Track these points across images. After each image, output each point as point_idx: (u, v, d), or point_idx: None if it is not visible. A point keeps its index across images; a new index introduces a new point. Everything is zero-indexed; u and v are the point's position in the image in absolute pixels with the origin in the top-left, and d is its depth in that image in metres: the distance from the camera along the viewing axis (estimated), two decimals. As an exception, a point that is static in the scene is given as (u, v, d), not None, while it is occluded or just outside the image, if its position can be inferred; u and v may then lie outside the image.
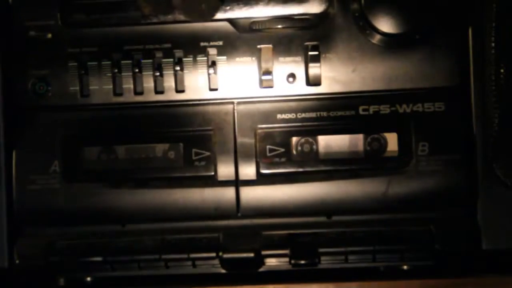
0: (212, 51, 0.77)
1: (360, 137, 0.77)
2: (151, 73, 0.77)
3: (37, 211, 0.77)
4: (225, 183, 0.76)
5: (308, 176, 0.76)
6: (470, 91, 0.75)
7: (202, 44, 0.77)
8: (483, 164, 0.74)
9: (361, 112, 0.76)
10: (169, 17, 0.77)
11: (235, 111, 0.77)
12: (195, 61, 0.77)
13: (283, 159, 0.76)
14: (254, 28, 0.76)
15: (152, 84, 0.77)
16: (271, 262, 0.76)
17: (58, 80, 0.77)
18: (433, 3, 0.75)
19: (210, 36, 0.77)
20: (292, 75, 0.77)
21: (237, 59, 0.77)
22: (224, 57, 0.77)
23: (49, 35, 0.77)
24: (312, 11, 0.75)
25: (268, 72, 0.76)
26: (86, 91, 0.77)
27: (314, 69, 0.76)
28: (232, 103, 0.77)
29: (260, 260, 0.76)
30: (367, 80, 0.76)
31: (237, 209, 0.76)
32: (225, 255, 0.75)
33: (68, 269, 0.77)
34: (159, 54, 0.76)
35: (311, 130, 0.76)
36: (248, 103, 0.77)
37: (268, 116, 0.77)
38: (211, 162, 0.76)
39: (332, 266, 0.76)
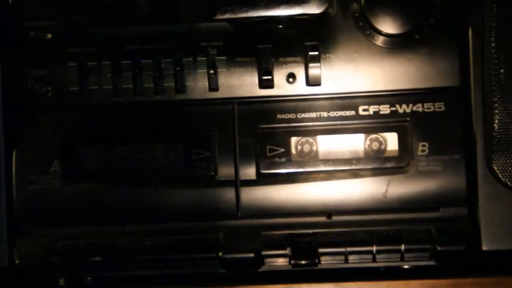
0: (212, 51, 0.77)
1: (360, 137, 0.76)
2: (151, 73, 0.77)
3: (37, 211, 0.77)
4: (225, 183, 0.76)
5: (308, 176, 0.76)
6: (470, 91, 0.75)
7: (202, 44, 0.77)
8: (483, 164, 0.74)
9: (361, 112, 0.76)
10: (169, 17, 0.77)
11: (235, 111, 0.77)
12: (195, 61, 0.77)
13: (283, 159, 0.76)
14: (254, 28, 0.76)
15: (152, 84, 0.77)
16: (271, 262, 0.76)
17: (58, 80, 0.77)
18: (433, 3, 0.75)
19: (210, 36, 0.77)
20: (292, 75, 0.77)
21: (237, 59, 0.77)
22: (224, 57, 0.77)
23: (49, 35, 0.77)
24: (312, 11, 0.75)
25: (268, 72, 0.76)
26: (86, 91, 0.77)
27: (314, 69, 0.76)
28: (232, 103, 0.77)
29: (260, 260, 0.76)
30: (367, 80, 0.76)
31: (237, 209, 0.76)
32: (225, 255, 0.75)
33: (68, 269, 0.77)
34: (159, 54, 0.76)
35: (311, 130, 0.76)
36: (248, 103, 0.77)
37: (268, 116, 0.77)
38: (211, 162, 0.76)
39: (332, 266, 0.76)
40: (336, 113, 0.77)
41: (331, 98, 0.77)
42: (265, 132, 0.77)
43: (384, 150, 0.76)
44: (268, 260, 0.76)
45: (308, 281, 0.75)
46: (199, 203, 0.76)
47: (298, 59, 0.76)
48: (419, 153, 0.75)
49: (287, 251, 0.75)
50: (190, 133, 0.77)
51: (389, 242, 0.74)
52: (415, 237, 0.74)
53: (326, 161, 0.76)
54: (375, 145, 0.76)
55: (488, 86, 0.74)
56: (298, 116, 0.77)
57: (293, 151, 0.76)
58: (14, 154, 0.77)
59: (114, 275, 0.77)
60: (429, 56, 0.76)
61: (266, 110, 0.77)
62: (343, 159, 0.76)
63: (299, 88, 0.77)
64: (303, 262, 0.76)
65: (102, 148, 0.77)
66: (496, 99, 0.73)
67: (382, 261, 0.75)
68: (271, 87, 0.77)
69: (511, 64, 0.73)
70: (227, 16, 0.76)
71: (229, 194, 0.76)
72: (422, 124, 0.76)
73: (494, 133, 0.73)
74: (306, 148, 0.76)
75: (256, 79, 0.77)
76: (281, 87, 0.77)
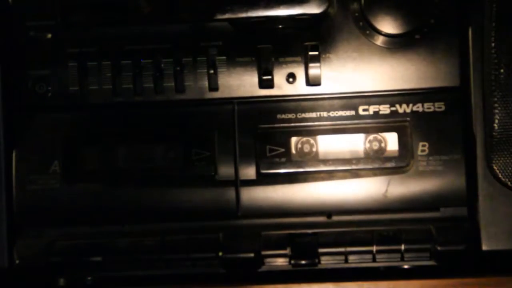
0: (212, 51, 0.77)
1: (360, 137, 0.76)
2: (151, 73, 0.77)
3: (37, 211, 0.77)
4: (225, 183, 0.76)
5: (308, 176, 0.76)
6: (470, 91, 0.75)
7: (202, 44, 0.77)
8: (483, 164, 0.74)
9: (361, 112, 0.76)
10: (169, 17, 0.76)
11: (235, 111, 0.77)
12: (195, 61, 0.77)
13: (283, 159, 0.76)
14: (254, 28, 0.76)
15: (152, 84, 0.77)
16: (271, 262, 0.76)
17: (58, 80, 0.77)
18: (433, 3, 0.75)
19: (210, 36, 0.77)
20: (292, 75, 0.77)
21: (237, 59, 0.77)
22: (224, 57, 0.77)
23: (49, 35, 0.77)
24: (312, 11, 0.75)
25: (268, 72, 0.76)
26: (86, 91, 0.77)
27: (314, 69, 0.76)
28: (232, 103, 0.77)
29: (260, 260, 0.76)
30: (367, 80, 0.76)
31: (237, 209, 0.76)
32: (225, 255, 0.75)
33: (68, 269, 0.77)
34: (159, 54, 0.76)
35: (311, 130, 0.76)
36: (248, 103, 0.77)
37: (268, 116, 0.77)
38: (211, 162, 0.76)
39: (332, 266, 0.76)
40: (336, 113, 0.77)
41: (331, 98, 0.77)
42: (265, 132, 0.77)
43: (384, 150, 0.76)
44: (268, 260, 0.76)
45: (308, 281, 0.75)
46: (199, 203, 0.76)
47: (298, 59, 0.76)
48: (419, 153, 0.75)
49: (287, 251, 0.75)
50: (190, 133, 0.77)
51: (389, 242, 0.74)
52: (415, 237, 0.74)
53: (326, 161, 0.76)
54: (375, 145, 0.76)
55: (488, 86, 0.74)
56: (298, 116, 0.77)
57: (293, 151, 0.76)
58: (14, 154, 0.77)
59: (114, 275, 0.77)
60: (429, 56, 0.76)
61: (266, 110, 0.77)
62: (343, 159, 0.76)
63: (299, 88, 0.77)
64: (303, 262, 0.75)
65: (102, 148, 0.77)
66: (496, 99, 0.73)
67: (382, 261, 0.75)
68: (271, 87, 0.77)
69: (511, 64, 0.73)
70: (227, 16, 0.76)
71: (229, 194, 0.76)
72: (422, 124, 0.76)
73: (494, 133, 0.73)
74: (306, 148, 0.76)
75: (256, 79, 0.77)
76: (281, 87, 0.77)
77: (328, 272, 0.76)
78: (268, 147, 0.76)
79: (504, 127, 0.73)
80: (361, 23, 0.75)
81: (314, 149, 0.76)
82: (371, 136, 0.76)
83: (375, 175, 0.76)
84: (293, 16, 0.75)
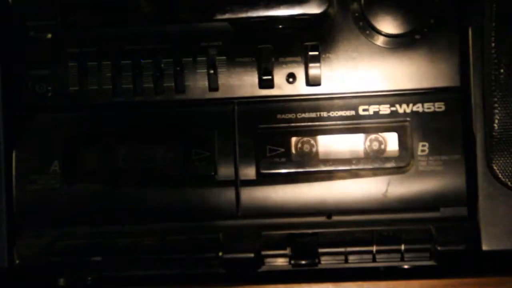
0: (212, 51, 0.77)
1: (360, 137, 0.77)
2: (151, 73, 0.77)
3: (37, 211, 0.77)
4: (225, 183, 0.76)
5: (308, 176, 0.76)
6: (470, 91, 0.75)
7: (202, 44, 0.77)
8: (483, 164, 0.74)
9: (361, 112, 0.76)
10: (169, 17, 0.77)
11: (235, 111, 0.77)
12: (195, 61, 0.77)
13: (283, 159, 0.76)
14: (254, 28, 0.76)
15: (152, 84, 0.77)
16: (271, 262, 0.76)
17: (58, 80, 0.77)
18: (433, 3, 0.75)
19: (210, 36, 0.77)
20: (292, 75, 0.77)
21: (237, 59, 0.77)
22: (224, 57, 0.77)
23: (49, 35, 0.77)
24: (312, 11, 0.75)
25: (268, 72, 0.76)
26: (86, 91, 0.77)
27: (314, 69, 0.76)
28: (232, 103, 0.77)
29: (260, 260, 0.76)
30: (367, 80, 0.76)
31: (237, 209, 0.76)
32: (225, 255, 0.75)
33: (68, 269, 0.77)
34: (159, 54, 0.76)
35: (311, 130, 0.76)
36: (248, 103, 0.77)
37: (268, 116, 0.77)
38: (211, 162, 0.76)
39: (332, 266, 0.76)
40: (336, 113, 0.77)
41: (331, 98, 0.77)
42: (265, 132, 0.77)
43: (384, 150, 0.76)
44: (268, 260, 0.76)
45: (308, 281, 0.75)
46: (199, 203, 0.76)
47: (298, 59, 0.76)
48: (419, 153, 0.75)
49: (287, 251, 0.75)
50: (190, 133, 0.77)
51: (389, 242, 0.74)
52: (415, 237, 0.74)
53: (326, 161, 0.76)
54: (375, 145, 0.76)
55: (488, 86, 0.74)
56: (298, 116, 0.77)
57: (293, 151, 0.76)
58: (14, 154, 0.77)
59: (114, 275, 0.77)
60: (429, 56, 0.76)
61: (266, 110, 0.77)
62: (343, 159, 0.76)
63: (299, 88, 0.77)
64: (303, 262, 0.76)
65: (102, 148, 0.77)
66: (496, 99, 0.73)
67: (382, 261, 0.75)
68: (271, 87, 0.77)
69: (511, 64, 0.73)
70: (227, 16, 0.76)
71: (229, 194, 0.76)
72: (422, 124, 0.76)
73: (494, 133, 0.73)
74: (306, 148, 0.76)
75: (256, 79, 0.77)
76: (281, 87, 0.77)
77: (328, 272, 0.76)
78: (268, 147, 0.76)
79: (504, 127, 0.73)
80: (361, 23, 0.76)
81: (314, 149, 0.76)
82: (371, 136, 0.76)
83: (375, 175, 0.76)
84: (293, 16, 0.75)
